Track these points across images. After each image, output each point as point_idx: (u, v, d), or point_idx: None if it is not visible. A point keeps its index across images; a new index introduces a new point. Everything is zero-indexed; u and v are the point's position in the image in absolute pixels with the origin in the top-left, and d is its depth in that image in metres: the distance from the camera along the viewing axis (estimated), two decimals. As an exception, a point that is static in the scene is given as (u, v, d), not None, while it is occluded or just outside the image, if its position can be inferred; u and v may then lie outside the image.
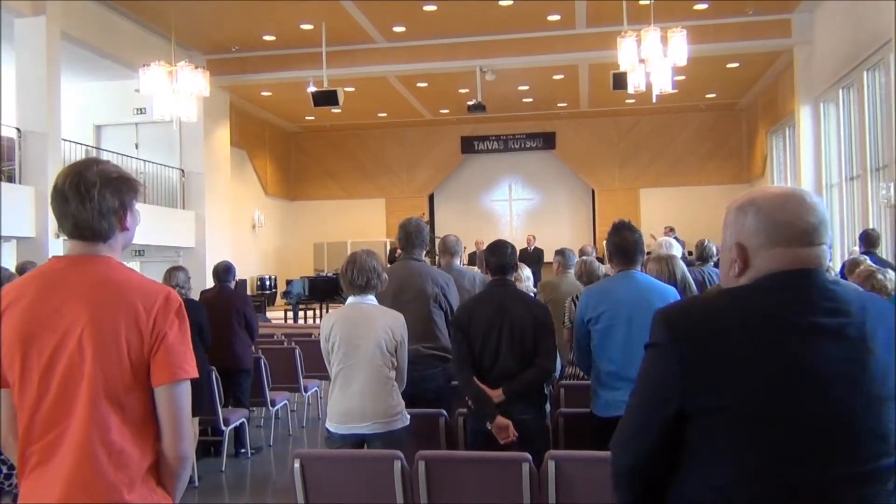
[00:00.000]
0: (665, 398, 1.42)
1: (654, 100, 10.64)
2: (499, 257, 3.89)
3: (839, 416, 1.36)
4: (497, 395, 3.66)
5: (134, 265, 13.68)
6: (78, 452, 1.75)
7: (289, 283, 15.64)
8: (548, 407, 4.58)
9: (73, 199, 1.82)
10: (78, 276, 1.83)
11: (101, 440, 1.76)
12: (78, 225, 1.84)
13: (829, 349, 1.38)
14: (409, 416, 3.78)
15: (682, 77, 12.86)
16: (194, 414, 5.64)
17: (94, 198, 1.82)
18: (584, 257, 6.21)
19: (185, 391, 1.84)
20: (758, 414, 1.36)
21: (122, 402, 1.79)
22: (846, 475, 1.35)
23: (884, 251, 9.17)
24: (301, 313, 15.27)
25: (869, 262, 5.30)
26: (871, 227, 8.69)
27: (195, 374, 1.85)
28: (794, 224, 1.48)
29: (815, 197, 1.53)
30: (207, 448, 6.42)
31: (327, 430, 3.76)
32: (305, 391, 7.76)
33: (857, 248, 6.70)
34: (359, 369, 3.67)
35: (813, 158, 12.65)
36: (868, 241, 6.62)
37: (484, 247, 4.91)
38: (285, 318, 15.14)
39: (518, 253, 4.25)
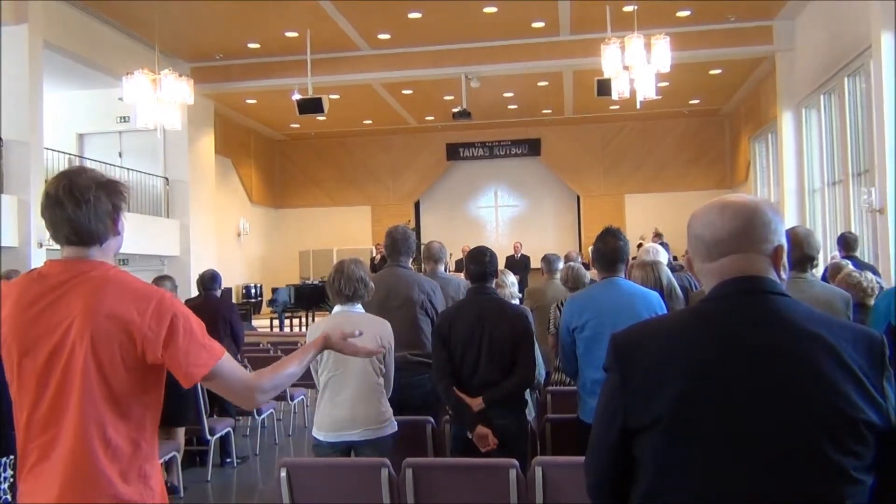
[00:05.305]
0: (613, 417, 1.46)
1: (638, 106, 10.74)
2: (478, 265, 3.90)
3: (762, 434, 1.33)
4: (477, 403, 3.67)
5: (118, 274, 13.55)
6: (76, 448, 1.80)
7: (274, 291, 15.58)
8: (534, 412, 4.61)
9: (69, 203, 1.85)
10: (74, 280, 1.86)
11: (98, 436, 1.81)
12: (75, 229, 1.86)
13: (756, 366, 1.35)
14: (396, 423, 3.79)
15: (666, 83, 12.96)
16: (179, 424, 5.66)
17: (89, 200, 1.85)
18: (571, 263, 6.23)
19: (226, 366, 1.92)
20: (682, 431, 1.36)
21: (117, 400, 1.84)
22: (771, 494, 1.32)
23: (865, 255, 9.27)
24: (287, 321, 15.23)
25: (850, 266, 5.34)
26: (849, 230, 8.76)
27: (222, 351, 1.92)
28: (703, 236, 1.50)
29: (747, 204, 1.48)
30: (193, 458, 6.38)
31: (315, 438, 3.76)
32: (292, 399, 7.74)
33: (837, 253, 6.76)
34: (349, 377, 3.68)
35: (795, 164, 12.77)
36: (847, 244, 6.67)
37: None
38: (271, 327, 15.09)
39: (505, 260, 4.27)
